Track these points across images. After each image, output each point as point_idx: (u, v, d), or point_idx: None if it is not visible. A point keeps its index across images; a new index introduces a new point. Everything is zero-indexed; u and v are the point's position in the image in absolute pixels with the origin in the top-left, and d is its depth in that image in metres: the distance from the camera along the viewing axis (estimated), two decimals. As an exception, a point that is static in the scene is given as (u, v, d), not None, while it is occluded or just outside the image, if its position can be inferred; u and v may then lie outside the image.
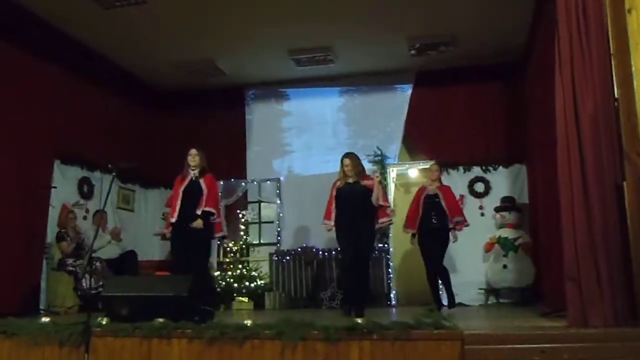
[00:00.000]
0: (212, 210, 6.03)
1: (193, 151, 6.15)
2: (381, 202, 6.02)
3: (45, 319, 4.78)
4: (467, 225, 6.87)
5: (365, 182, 5.99)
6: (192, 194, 6.01)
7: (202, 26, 7.36)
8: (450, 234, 6.70)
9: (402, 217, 7.05)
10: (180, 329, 4.33)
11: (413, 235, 6.80)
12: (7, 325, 4.65)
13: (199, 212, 5.93)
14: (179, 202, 5.99)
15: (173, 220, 5.98)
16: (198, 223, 5.90)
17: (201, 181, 6.07)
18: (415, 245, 6.88)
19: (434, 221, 6.64)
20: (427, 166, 7.51)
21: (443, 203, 6.68)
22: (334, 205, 6.02)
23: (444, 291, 6.83)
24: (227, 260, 8.81)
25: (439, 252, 6.67)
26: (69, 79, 7.50)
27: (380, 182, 5.99)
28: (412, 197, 7.17)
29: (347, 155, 6.10)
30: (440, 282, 6.86)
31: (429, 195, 6.78)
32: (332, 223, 5.99)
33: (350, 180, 5.99)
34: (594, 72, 4.36)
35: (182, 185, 6.08)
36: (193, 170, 6.12)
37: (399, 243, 8.23)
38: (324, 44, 8.05)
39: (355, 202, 5.88)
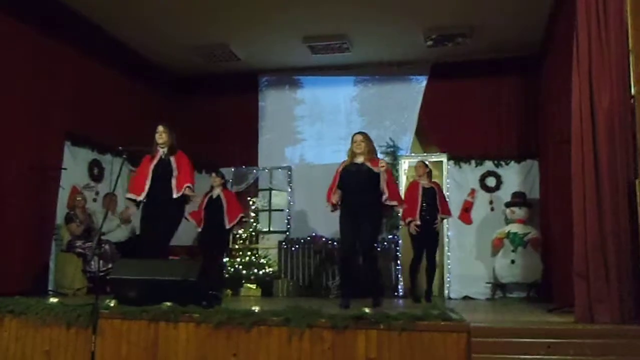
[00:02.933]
0: (190, 186, 5.77)
1: (160, 128, 5.90)
2: (390, 202, 5.64)
3: (53, 300, 4.84)
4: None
5: (372, 165, 5.63)
6: (162, 173, 5.77)
7: (216, 10, 7.31)
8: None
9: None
10: (187, 313, 4.36)
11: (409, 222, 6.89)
12: (15, 304, 4.70)
13: (176, 195, 5.72)
14: (148, 181, 5.74)
15: (141, 199, 5.75)
16: (189, 192, 5.73)
17: (172, 159, 5.83)
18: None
19: (428, 216, 6.88)
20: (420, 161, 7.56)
21: (438, 199, 6.96)
22: (336, 185, 5.71)
23: (427, 284, 7.07)
24: (237, 247, 8.85)
25: (435, 246, 7.03)
26: (80, 61, 7.50)
27: (387, 171, 5.68)
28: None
29: (359, 132, 5.86)
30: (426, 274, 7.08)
31: (425, 188, 6.97)
32: (333, 203, 5.68)
33: (358, 161, 5.69)
34: (611, 68, 4.33)
35: (151, 164, 5.82)
36: (162, 148, 5.88)
37: (408, 235, 8.21)
38: (339, 32, 7.99)
39: (360, 183, 5.56)
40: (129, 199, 5.84)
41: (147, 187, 5.74)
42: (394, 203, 5.71)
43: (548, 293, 7.07)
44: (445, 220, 7.69)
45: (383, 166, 5.60)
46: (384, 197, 5.60)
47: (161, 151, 5.89)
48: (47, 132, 6.91)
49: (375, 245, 6.06)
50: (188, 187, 5.73)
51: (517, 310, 6.14)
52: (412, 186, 7.15)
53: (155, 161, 5.85)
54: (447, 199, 8.14)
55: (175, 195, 5.74)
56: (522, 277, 7.75)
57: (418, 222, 6.77)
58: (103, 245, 7.01)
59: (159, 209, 5.73)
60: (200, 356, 4.26)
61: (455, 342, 3.91)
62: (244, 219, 7.48)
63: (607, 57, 4.35)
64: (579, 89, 4.40)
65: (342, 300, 5.57)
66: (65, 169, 7.11)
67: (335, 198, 5.66)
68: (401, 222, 7.34)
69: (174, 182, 5.77)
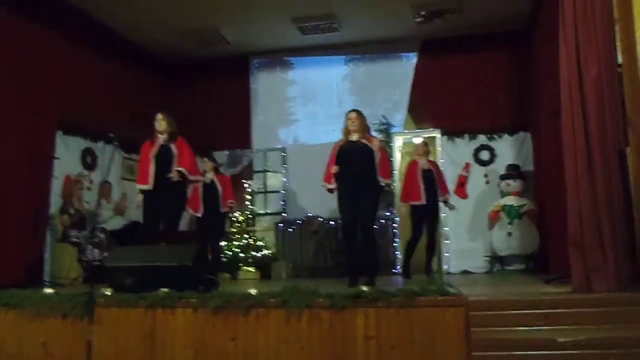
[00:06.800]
0: (184, 171, 5.83)
1: (159, 116, 5.96)
2: (381, 178, 5.61)
3: (48, 290, 4.79)
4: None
5: (367, 142, 5.66)
6: (164, 160, 5.83)
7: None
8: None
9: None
10: (184, 298, 4.35)
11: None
12: (10, 297, 4.67)
13: (172, 173, 5.78)
14: (151, 169, 5.81)
15: (146, 187, 5.81)
16: (174, 174, 5.77)
17: (172, 146, 5.90)
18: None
19: (428, 197, 6.87)
20: (420, 140, 7.57)
21: (436, 179, 6.96)
22: (334, 165, 5.69)
23: (427, 259, 7.08)
24: (233, 230, 8.83)
25: (437, 224, 7.11)
26: (70, 48, 7.40)
27: (383, 149, 5.74)
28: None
29: (353, 110, 5.86)
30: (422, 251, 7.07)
31: (424, 170, 6.94)
32: (332, 185, 5.68)
33: (353, 138, 5.69)
34: (597, 37, 4.34)
35: (151, 151, 5.88)
36: (161, 135, 5.95)
37: (409, 215, 8.20)
38: (328, 11, 7.91)
39: (357, 161, 5.57)
40: (141, 190, 5.88)
41: (151, 174, 5.78)
42: (387, 182, 5.72)
43: (545, 264, 7.11)
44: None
45: (377, 145, 5.63)
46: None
47: (161, 138, 5.93)
48: (38, 122, 6.80)
49: (373, 222, 5.98)
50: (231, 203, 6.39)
51: (514, 282, 6.17)
52: (411, 167, 7.09)
53: (155, 148, 5.89)
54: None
55: (169, 175, 5.77)
56: (519, 249, 7.78)
57: (424, 203, 6.78)
58: (98, 233, 6.98)
59: (162, 197, 5.76)
60: (198, 341, 4.26)
61: (454, 316, 3.93)
62: (231, 205, 7.51)
63: (592, 27, 4.35)
64: (567, 60, 4.41)
65: (349, 278, 5.57)
66: (57, 158, 7.04)
67: (333, 178, 5.64)
68: (401, 203, 7.25)
69: (174, 167, 5.82)
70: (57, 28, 7.12)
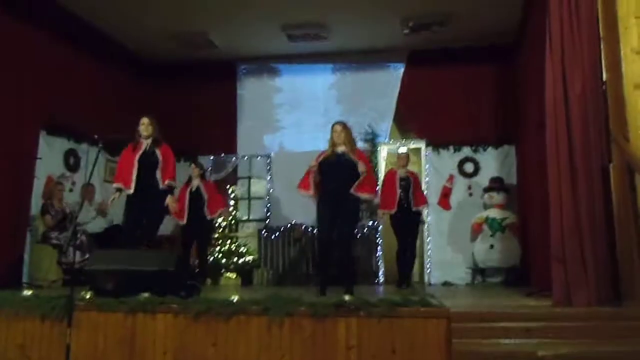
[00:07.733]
0: (173, 183, 5.85)
1: (145, 120, 5.87)
2: (362, 194, 5.61)
3: (27, 292, 4.71)
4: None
5: (353, 156, 5.61)
6: (148, 165, 5.75)
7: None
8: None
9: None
10: (165, 303, 4.31)
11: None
12: (-12, 298, 4.57)
13: (162, 186, 5.76)
14: (134, 173, 5.71)
15: (130, 191, 5.70)
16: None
17: (157, 151, 5.83)
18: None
19: (406, 204, 6.92)
20: (403, 150, 7.57)
21: (412, 189, 6.97)
22: (311, 175, 5.68)
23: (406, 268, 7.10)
24: (216, 235, 8.79)
25: (415, 233, 7.05)
26: (56, 48, 7.34)
27: (368, 162, 5.75)
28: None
29: (338, 122, 5.84)
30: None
31: (402, 177, 6.98)
32: (310, 192, 5.70)
33: (339, 150, 5.68)
34: (583, 54, 4.42)
35: (135, 155, 5.78)
36: (146, 139, 5.87)
37: (388, 221, 8.23)
38: (317, 20, 7.96)
39: (340, 173, 5.54)
40: (117, 188, 5.78)
41: (133, 178, 5.70)
42: (370, 197, 5.72)
43: (526, 277, 7.15)
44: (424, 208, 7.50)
45: (364, 171, 5.54)
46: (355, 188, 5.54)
47: (145, 142, 5.85)
48: (22, 121, 6.72)
49: (352, 234, 6.04)
50: (169, 182, 5.84)
51: (495, 294, 6.21)
52: (389, 175, 7.14)
53: (139, 152, 5.80)
54: (426, 185, 8.23)
55: (161, 187, 5.75)
56: (501, 262, 7.82)
57: (394, 211, 6.81)
58: (79, 236, 6.90)
59: (144, 201, 5.70)
60: (179, 347, 4.22)
61: (435, 327, 3.92)
62: (222, 214, 7.51)
63: (578, 44, 4.42)
64: (552, 75, 4.47)
65: (319, 287, 5.57)
66: (40, 158, 6.96)
67: (313, 186, 5.64)
68: (379, 212, 7.26)
69: (159, 173, 5.77)
70: (44, 27, 7.05)
